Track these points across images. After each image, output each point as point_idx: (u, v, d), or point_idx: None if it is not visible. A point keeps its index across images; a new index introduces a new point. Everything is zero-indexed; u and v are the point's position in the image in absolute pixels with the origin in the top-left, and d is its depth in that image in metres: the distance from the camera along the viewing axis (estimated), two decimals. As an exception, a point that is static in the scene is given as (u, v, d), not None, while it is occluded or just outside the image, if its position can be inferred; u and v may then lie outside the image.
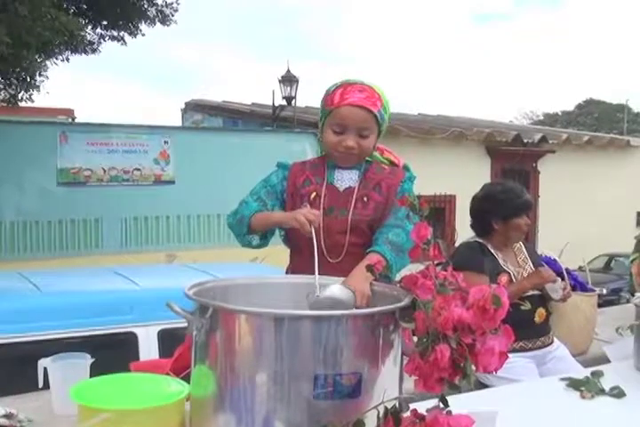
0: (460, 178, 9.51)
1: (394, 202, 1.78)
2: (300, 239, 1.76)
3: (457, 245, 2.72)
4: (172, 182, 7.74)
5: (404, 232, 1.68)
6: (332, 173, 1.83)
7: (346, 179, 1.83)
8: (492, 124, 12.95)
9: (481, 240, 2.64)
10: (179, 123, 11.82)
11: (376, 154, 1.90)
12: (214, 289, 1.44)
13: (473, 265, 2.51)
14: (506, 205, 2.61)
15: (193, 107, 11.67)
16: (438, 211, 9.49)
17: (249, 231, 1.83)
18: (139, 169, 7.57)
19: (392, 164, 1.92)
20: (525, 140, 10.75)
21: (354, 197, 1.79)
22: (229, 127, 10.07)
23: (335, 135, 1.77)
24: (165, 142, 7.71)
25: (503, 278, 2.54)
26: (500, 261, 2.60)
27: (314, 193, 1.80)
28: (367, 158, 1.86)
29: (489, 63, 58.92)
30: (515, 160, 10.56)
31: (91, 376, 1.54)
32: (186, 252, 7.38)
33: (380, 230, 1.74)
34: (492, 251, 2.62)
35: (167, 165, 7.72)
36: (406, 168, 1.92)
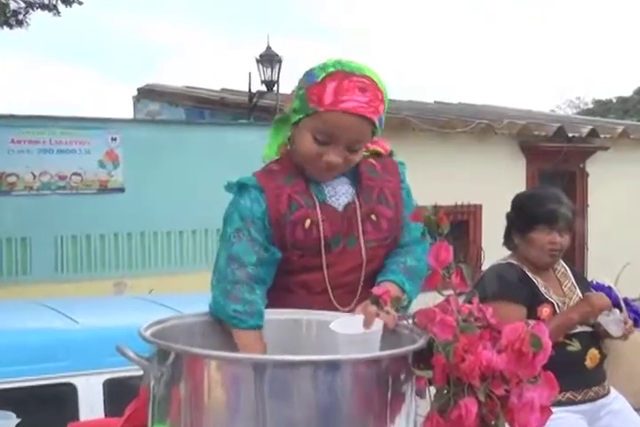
0: (488, 183, 9.54)
1: (404, 214, 1.72)
2: (287, 274, 1.67)
3: (484, 268, 2.74)
4: (121, 190, 7.72)
5: (424, 254, 1.60)
6: (320, 187, 1.70)
7: (340, 192, 1.71)
8: (528, 114, 13.05)
9: (515, 262, 2.66)
10: (130, 114, 11.83)
11: None
12: (177, 328, 1.44)
13: (506, 294, 2.52)
14: (522, 215, 2.64)
15: (148, 94, 11.69)
16: (460, 225, 9.50)
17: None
18: (79, 174, 7.55)
19: (377, 154, 1.80)
20: (570, 135, 10.81)
21: (358, 215, 1.69)
22: (194, 120, 10.09)
23: (316, 145, 1.64)
24: (113, 139, 7.71)
25: (545, 311, 2.55)
26: (541, 289, 2.61)
27: (307, 220, 1.65)
28: None
29: (524, 39, 59.39)
30: (557, 160, 10.61)
31: (17, 441, 1.53)
32: (139, 279, 7.33)
33: (394, 252, 1.70)
34: (530, 275, 2.63)
35: (115, 168, 7.71)
36: (393, 154, 1.83)
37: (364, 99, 1.61)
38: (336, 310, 1.62)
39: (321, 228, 1.65)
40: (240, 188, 1.69)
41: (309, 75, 1.67)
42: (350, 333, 1.39)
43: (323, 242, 1.64)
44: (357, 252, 1.67)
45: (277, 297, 1.67)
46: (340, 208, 1.69)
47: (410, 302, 1.62)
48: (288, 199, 1.67)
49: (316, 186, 1.70)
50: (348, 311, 1.59)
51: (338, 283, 1.66)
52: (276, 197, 1.67)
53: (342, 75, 1.63)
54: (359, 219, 1.68)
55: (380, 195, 1.72)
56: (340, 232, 1.67)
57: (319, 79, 1.64)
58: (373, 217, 1.69)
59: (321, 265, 1.65)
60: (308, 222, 1.65)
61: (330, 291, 1.65)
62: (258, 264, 1.62)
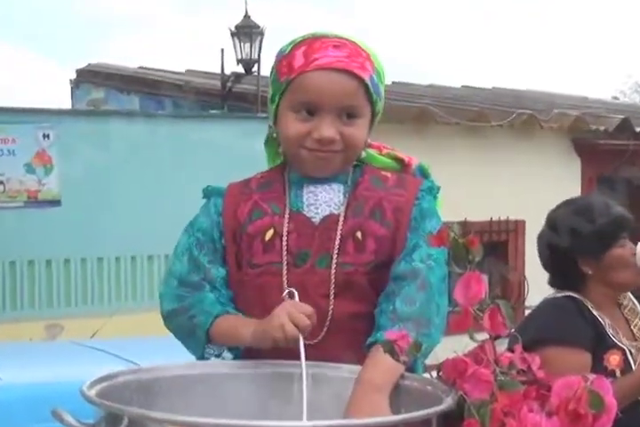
0: (532, 192, 9.54)
1: (407, 237, 1.73)
2: (254, 309, 1.71)
3: (528, 304, 2.73)
4: (56, 203, 7.73)
5: (423, 291, 1.64)
6: (299, 193, 1.78)
7: (323, 201, 1.78)
8: (584, 102, 13.12)
9: (577, 295, 2.66)
10: (67, 104, 11.87)
11: (370, 152, 1.88)
12: (130, 385, 1.44)
13: (567, 337, 2.53)
14: (589, 232, 2.63)
15: (90, 77, 11.72)
16: (497, 247, 9.51)
17: (208, 345, 1.73)
18: (0, 182, 7.57)
19: (399, 163, 1.88)
20: (638, 129, 10.88)
21: (338, 232, 1.73)
22: (150, 111, 10.12)
23: (300, 122, 1.72)
24: (45, 137, 7.73)
25: (613, 358, 2.54)
26: (609, 331, 2.62)
27: (270, 230, 1.74)
28: (356, 162, 1.82)
29: (576, 10, 59.79)
30: (621, 161, 10.66)
31: None
32: (79, 320, 7.33)
33: (384, 293, 1.69)
34: (595, 313, 2.64)
35: (48, 174, 7.72)
36: (422, 171, 1.89)
37: (341, 53, 1.72)
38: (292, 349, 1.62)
39: (284, 241, 1.72)
40: (206, 194, 1.87)
41: (277, 55, 1.81)
42: None
43: (285, 256, 1.71)
44: (327, 274, 1.71)
45: None
46: (317, 220, 1.76)
47: (424, 355, 1.61)
48: (253, 206, 1.78)
49: (295, 192, 1.78)
50: (315, 344, 1.64)
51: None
52: (236, 204, 1.80)
53: (312, 39, 1.76)
54: (338, 236, 1.73)
55: (375, 209, 1.76)
56: (310, 248, 1.73)
57: (287, 52, 1.77)
58: (359, 235, 1.74)
59: (280, 286, 1.69)
60: (269, 233, 1.74)
61: None
62: (219, 316, 1.72)
